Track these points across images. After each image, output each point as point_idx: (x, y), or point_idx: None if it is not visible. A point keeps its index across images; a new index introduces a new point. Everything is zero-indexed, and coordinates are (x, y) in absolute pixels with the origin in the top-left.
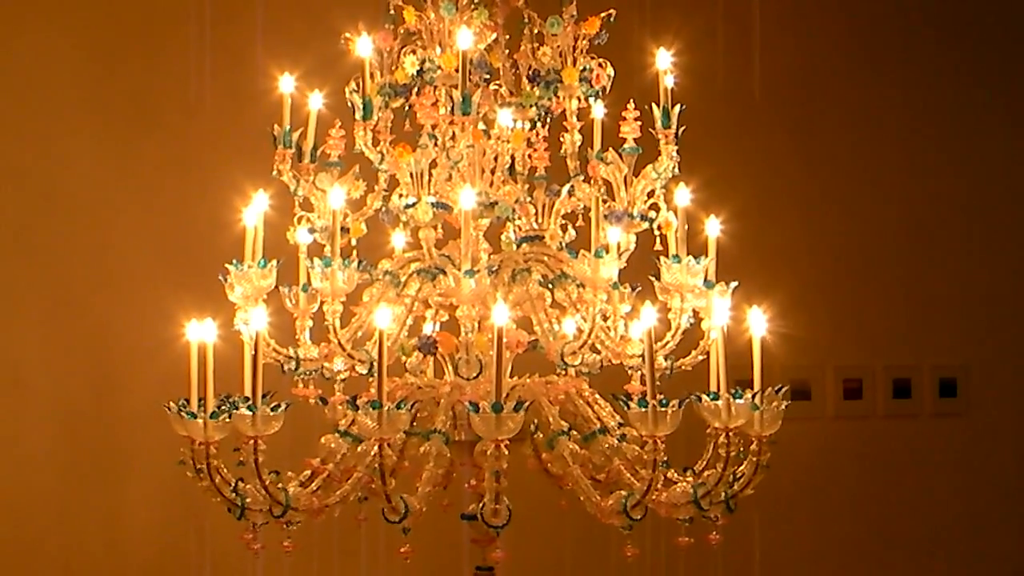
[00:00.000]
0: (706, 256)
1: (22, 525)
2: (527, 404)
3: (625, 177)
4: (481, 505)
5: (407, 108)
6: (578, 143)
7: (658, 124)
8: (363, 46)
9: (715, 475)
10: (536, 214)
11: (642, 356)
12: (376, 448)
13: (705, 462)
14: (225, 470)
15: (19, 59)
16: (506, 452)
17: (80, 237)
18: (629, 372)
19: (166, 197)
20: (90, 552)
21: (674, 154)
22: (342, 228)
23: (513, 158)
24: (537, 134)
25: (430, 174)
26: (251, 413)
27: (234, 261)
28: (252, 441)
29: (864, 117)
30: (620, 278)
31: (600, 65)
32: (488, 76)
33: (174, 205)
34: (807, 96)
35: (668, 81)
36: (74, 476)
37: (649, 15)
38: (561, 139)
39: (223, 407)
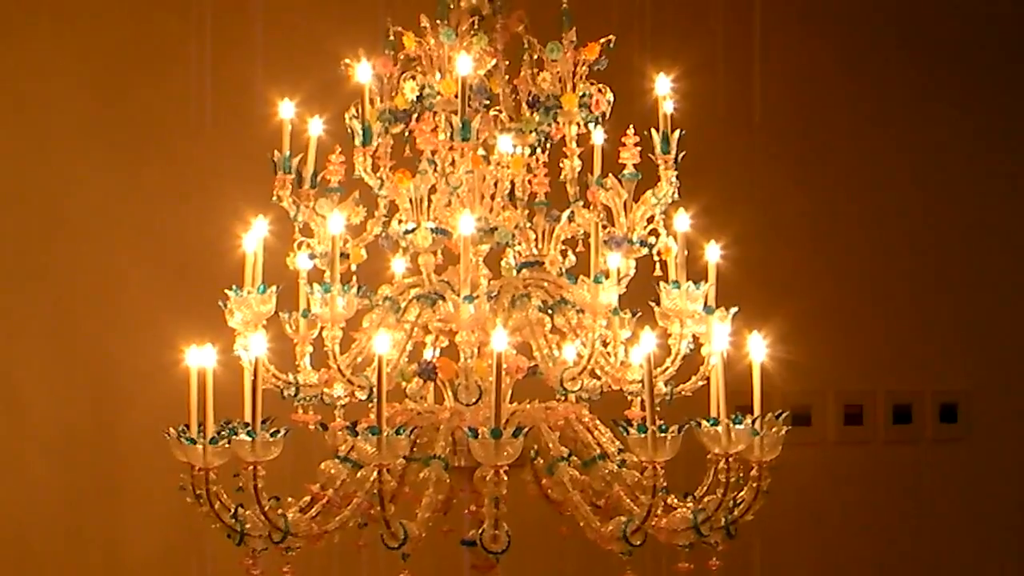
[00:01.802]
0: (706, 282)
1: (23, 550)
2: (526, 430)
3: (625, 203)
4: (481, 531)
5: (407, 134)
6: (578, 169)
7: (657, 150)
8: (363, 72)
9: (715, 501)
10: (536, 240)
11: (642, 382)
12: (375, 474)
13: (705, 488)
14: (225, 496)
15: (22, 84)
16: (505, 478)
17: (81, 261)
18: (629, 398)
19: (167, 222)
20: None
21: (674, 179)
22: (342, 254)
23: (513, 184)
24: (537, 160)
25: (429, 200)
26: (250, 439)
27: (234, 287)
28: (252, 467)
29: (864, 143)
30: (620, 304)
31: (599, 91)
32: (488, 102)
33: (175, 230)
34: (807, 121)
35: (667, 107)
36: (75, 501)
37: (649, 41)
38: (561, 165)
39: (222, 433)
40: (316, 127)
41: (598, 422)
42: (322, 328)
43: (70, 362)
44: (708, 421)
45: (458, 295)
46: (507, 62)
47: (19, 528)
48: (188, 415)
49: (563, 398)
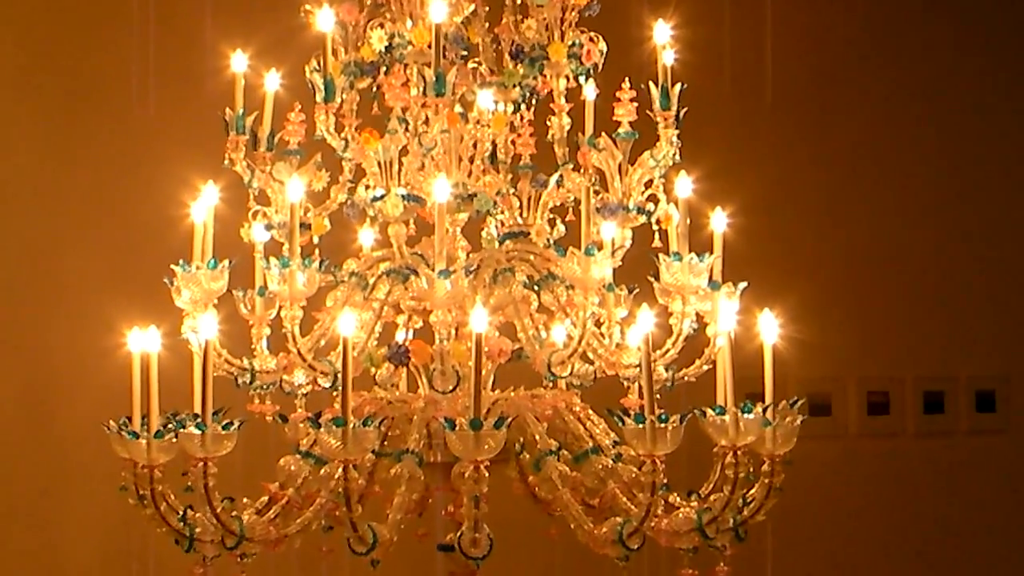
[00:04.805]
0: (711, 254)
1: None
2: (510, 420)
3: (620, 165)
4: (459, 534)
5: (374, 89)
6: (567, 127)
7: (656, 105)
8: (325, 19)
9: (722, 499)
10: (520, 207)
11: (639, 366)
12: (341, 471)
13: (711, 485)
14: (172, 497)
15: None
16: (487, 475)
17: (13, 235)
18: (625, 384)
19: (107, 191)
20: None
21: (674, 139)
22: (302, 224)
23: (494, 145)
24: (521, 118)
25: (400, 163)
26: (200, 432)
27: (181, 262)
28: (202, 463)
29: (889, 104)
30: (615, 279)
31: (591, 40)
32: (465, 53)
33: (116, 199)
34: (824, 75)
35: (667, 57)
36: (4, 504)
37: None
38: (548, 123)
39: (169, 426)
40: (272, 82)
41: (591, 412)
42: (280, 308)
43: (0, 346)
44: (714, 410)
45: (433, 270)
46: (487, 8)
47: None
48: (131, 406)
49: (551, 385)
